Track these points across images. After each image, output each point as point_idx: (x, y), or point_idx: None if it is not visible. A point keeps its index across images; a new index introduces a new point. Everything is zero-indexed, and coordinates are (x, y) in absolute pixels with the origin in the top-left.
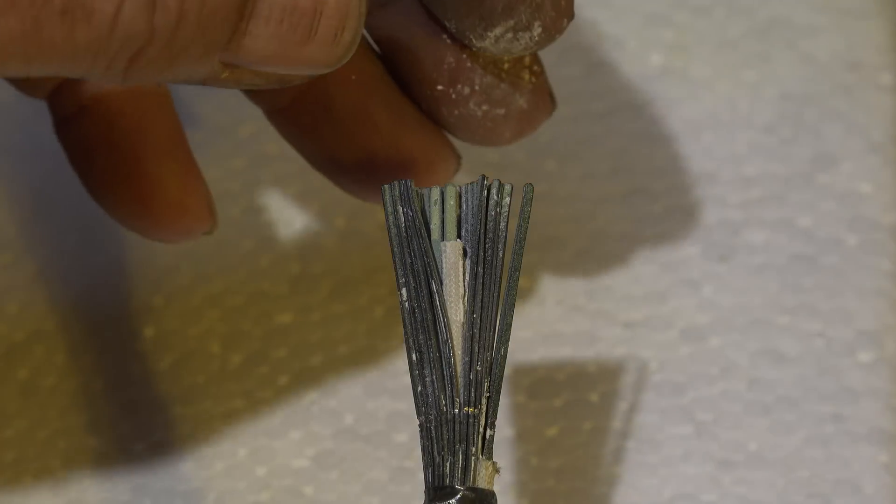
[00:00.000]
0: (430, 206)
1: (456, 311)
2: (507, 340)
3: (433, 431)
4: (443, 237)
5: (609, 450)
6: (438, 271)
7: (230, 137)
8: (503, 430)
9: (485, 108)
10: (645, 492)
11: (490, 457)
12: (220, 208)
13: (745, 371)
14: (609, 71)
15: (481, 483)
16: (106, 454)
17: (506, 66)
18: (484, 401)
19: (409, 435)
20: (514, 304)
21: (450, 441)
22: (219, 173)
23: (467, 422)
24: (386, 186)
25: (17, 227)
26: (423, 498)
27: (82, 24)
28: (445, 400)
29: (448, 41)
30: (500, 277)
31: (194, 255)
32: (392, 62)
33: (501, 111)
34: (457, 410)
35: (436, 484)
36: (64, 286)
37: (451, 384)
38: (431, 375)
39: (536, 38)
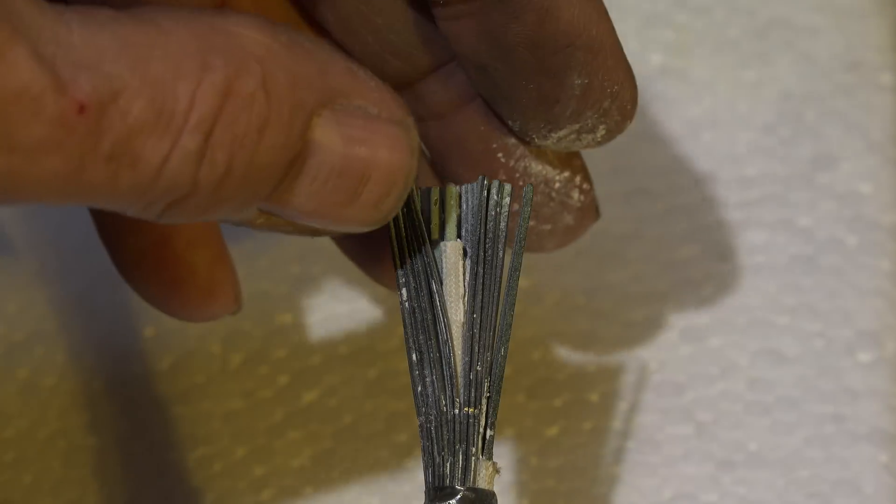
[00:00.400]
0: (430, 207)
1: (456, 311)
2: (508, 340)
3: (433, 432)
4: (443, 237)
5: (609, 450)
6: (438, 271)
7: None
8: (503, 430)
9: (531, 223)
10: (645, 492)
11: (490, 457)
12: None
13: (744, 371)
14: None
15: (481, 483)
16: (106, 454)
17: (556, 185)
18: (484, 401)
19: (409, 435)
20: (514, 304)
21: (450, 441)
22: None
23: (467, 422)
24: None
25: (16, 226)
26: (423, 498)
27: (127, 170)
28: (445, 400)
29: (501, 158)
30: (500, 277)
31: None
32: (442, 170)
33: (548, 227)
34: (457, 411)
35: (436, 484)
36: (64, 286)
37: (451, 384)
38: (431, 376)
39: (599, 139)
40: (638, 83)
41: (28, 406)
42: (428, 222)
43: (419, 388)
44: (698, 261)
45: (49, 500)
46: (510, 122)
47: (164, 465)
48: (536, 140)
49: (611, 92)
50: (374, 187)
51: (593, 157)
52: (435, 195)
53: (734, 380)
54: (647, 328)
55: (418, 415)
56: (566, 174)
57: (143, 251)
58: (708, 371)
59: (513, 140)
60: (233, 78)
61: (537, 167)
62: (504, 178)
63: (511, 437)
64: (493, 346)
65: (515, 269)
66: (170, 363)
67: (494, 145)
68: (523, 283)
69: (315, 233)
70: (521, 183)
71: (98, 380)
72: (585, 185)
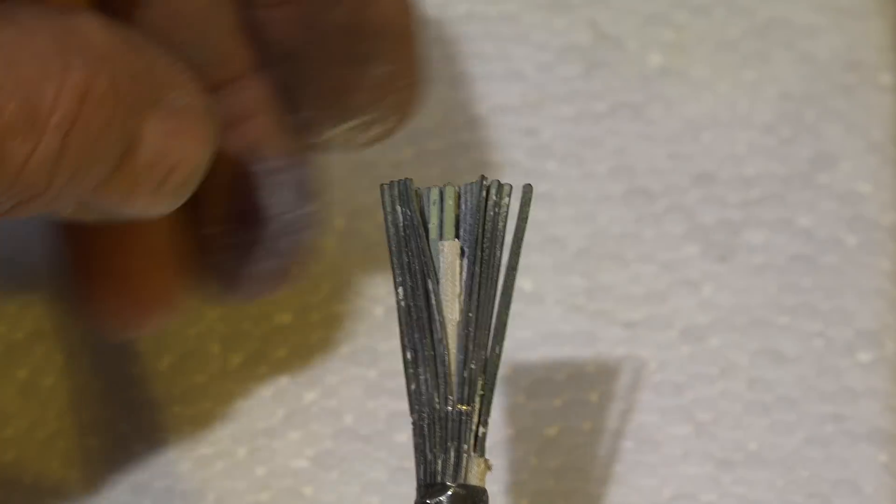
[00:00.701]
0: (428, 206)
1: (452, 310)
2: (503, 339)
3: (426, 429)
4: (441, 236)
5: (608, 450)
6: (435, 270)
7: None
8: (502, 430)
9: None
10: (644, 492)
11: (482, 454)
12: None
13: (744, 371)
14: (609, 71)
15: (473, 480)
16: (106, 454)
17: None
18: (477, 399)
19: (409, 435)
20: (510, 303)
21: (442, 439)
22: None
23: (460, 419)
24: (385, 185)
25: (16, 226)
26: (415, 495)
27: None
28: (439, 398)
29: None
30: (497, 277)
31: None
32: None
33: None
34: (450, 408)
35: (427, 481)
36: (63, 286)
37: (445, 382)
38: (426, 374)
39: (385, 133)
40: (638, 83)
41: (28, 406)
42: (426, 222)
43: (413, 386)
44: (698, 261)
45: (49, 501)
46: (303, 113)
47: (164, 466)
48: (323, 133)
49: (408, 83)
50: (177, 176)
51: (593, 157)
52: (434, 195)
53: (734, 380)
54: (646, 328)
55: (411, 412)
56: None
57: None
58: (707, 371)
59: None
60: (90, 79)
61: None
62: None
63: (510, 438)
64: (487, 345)
65: (512, 268)
66: (169, 363)
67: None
68: (523, 283)
69: (104, 218)
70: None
71: (98, 380)
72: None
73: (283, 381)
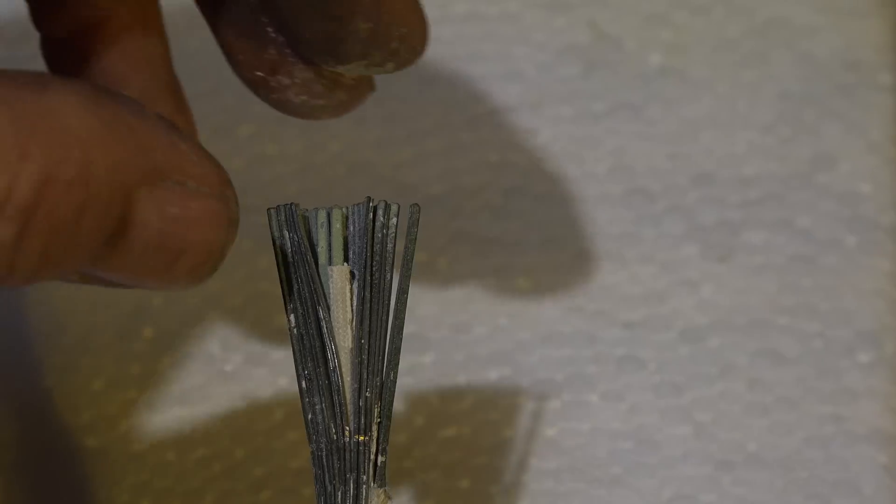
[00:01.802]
0: (316, 229)
1: (344, 336)
2: (397, 365)
3: (324, 460)
4: (330, 260)
5: (608, 451)
6: (325, 297)
7: (229, 138)
8: (502, 432)
9: (303, 97)
10: (644, 493)
11: (382, 484)
12: None
13: (744, 371)
14: (608, 71)
15: None
16: (106, 454)
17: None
18: (374, 427)
19: (406, 436)
20: (402, 327)
21: (341, 470)
22: None
23: (358, 450)
24: (271, 210)
25: None
26: None
27: None
28: (335, 428)
29: (273, 34)
30: (389, 301)
31: None
32: (215, 36)
33: (321, 102)
34: (347, 438)
35: None
36: (62, 287)
37: (341, 412)
38: (321, 403)
39: (388, 70)
40: (637, 83)
41: (27, 407)
42: (314, 246)
43: (309, 416)
44: (697, 261)
45: (49, 501)
46: (296, 47)
47: (163, 466)
48: (326, 68)
49: (399, 35)
50: (189, 258)
51: (592, 157)
52: (321, 217)
53: (733, 380)
54: (645, 328)
55: (309, 443)
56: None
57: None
58: (707, 371)
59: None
60: (52, 167)
61: None
62: (273, 52)
63: (510, 438)
64: (382, 372)
65: (403, 291)
66: (169, 364)
67: (267, 26)
68: (523, 283)
69: (127, 288)
70: (290, 59)
71: (98, 380)
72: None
73: (283, 382)
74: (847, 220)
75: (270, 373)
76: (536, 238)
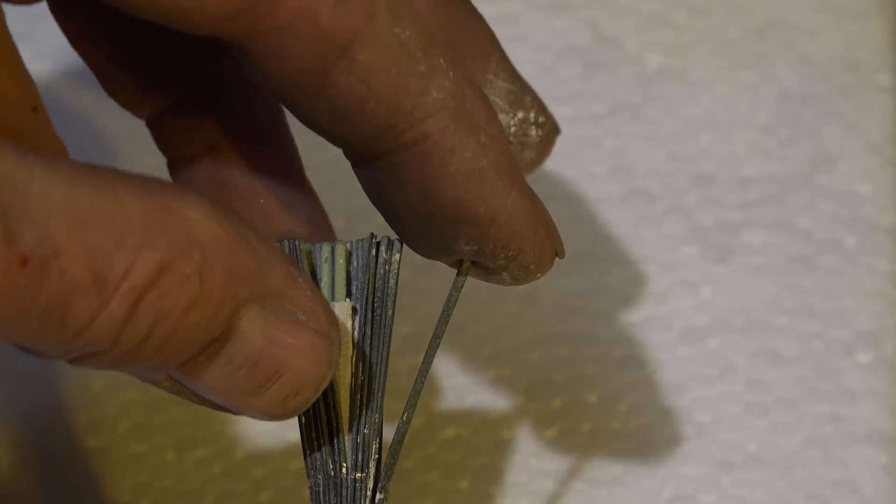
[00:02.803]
0: (320, 263)
1: (344, 373)
2: (415, 406)
3: (321, 495)
4: (332, 296)
5: (608, 451)
6: None
7: None
8: (501, 432)
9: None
10: (644, 493)
11: None
12: None
13: (743, 372)
14: (608, 72)
15: None
16: (106, 454)
17: (512, 129)
18: (372, 464)
19: (406, 437)
20: (428, 371)
21: None
22: None
23: (354, 486)
24: (275, 243)
25: None
26: None
27: (55, 325)
28: (333, 464)
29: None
30: (389, 337)
31: None
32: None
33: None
34: (344, 474)
35: None
36: None
37: (339, 448)
38: (320, 439)
39: (509, 282)
40: (637, 84)
41: (27, 408)
42: (318, 280)
43: (308, 452)
44: (697, 262)
45: (49, 502)
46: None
47: (163, 467)
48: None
49: (506, 256)
50: (283, 386)
51: (592, 158)
52: (325, 252)
53: (733, 381)
54: (645, 329)
55: (308, 478)
56: (520, 115)
57: None
58: (707, 372)
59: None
60: (172, 258)
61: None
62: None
63: (509, 439)
64: (380, 408)
65: (437, 336)
66: None
67: None
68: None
69: (217, 408)
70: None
71: (97, 381)
72: (541, 118)
73: None
74: (846, 220)
75: None
76: None
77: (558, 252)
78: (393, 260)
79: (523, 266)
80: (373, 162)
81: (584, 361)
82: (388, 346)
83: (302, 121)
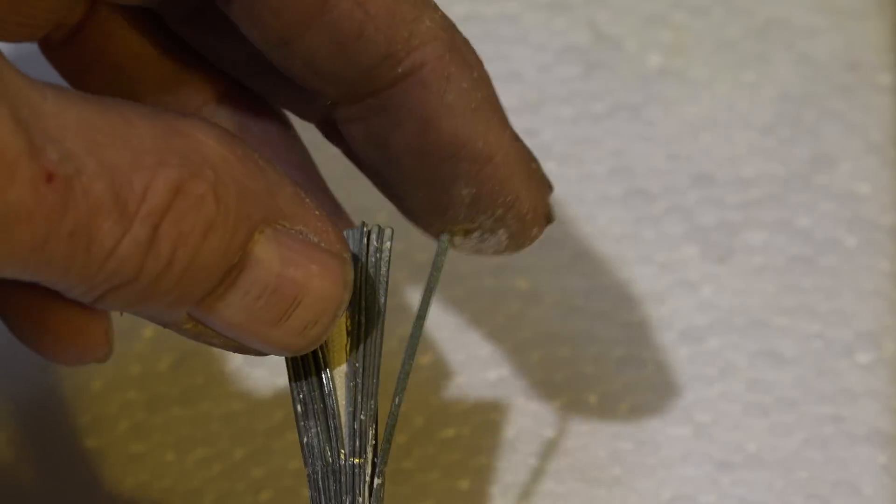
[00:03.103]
0: None
1: (339, 360)
2: (404, 390)
3: (320, 483)
4: None
5: (607, 451)
6: None
7: None
8: (501, 432)
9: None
10: (643, 493)
11: None
12: None
13: (743, 372)
14: (608, 71)
15: None
16: (106, 454)
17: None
18: (369, 450)
19: (406, 436)
20: (415, 353)
21: (336, 492)
22: None
23: (353, 472)
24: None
25: None
26: None
27: (82, 250)
28: (331, 451)
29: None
30: (382, 324)
31: None
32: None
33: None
34: (343, 461)
35: None
36: None
37: (336, 435)
38: (316, 427)
39: (506, 243)
40: (637, 84)
41: (27, 408)
42: None
43: (305, 440)
44: (697, 262)
45: (49, 502)
46: (411, 218)
47: (163, 467)
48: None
49: (503, 202)
50: (303, 312)
51: (592, 158)
52: None
53: (733, 381)
54: (645, 329)
55: (305, 465)
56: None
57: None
58: (707, 372)
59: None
60: (186, 178)
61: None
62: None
63: (509, 439)
64: (376, 394)
65: (420, 317)
66: (169, 364)
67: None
68: (522, 284)
69: (239, 349)
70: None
71: (97, 381)
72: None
73: (282, 383)
74: (847, 220)
75: (270, 373)
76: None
77: (550, 213)
78: (384, 248)
79: (520, 216)
80: (369, 101)
81: (584, 361)
82: (382, 333)
83: (298, 69)
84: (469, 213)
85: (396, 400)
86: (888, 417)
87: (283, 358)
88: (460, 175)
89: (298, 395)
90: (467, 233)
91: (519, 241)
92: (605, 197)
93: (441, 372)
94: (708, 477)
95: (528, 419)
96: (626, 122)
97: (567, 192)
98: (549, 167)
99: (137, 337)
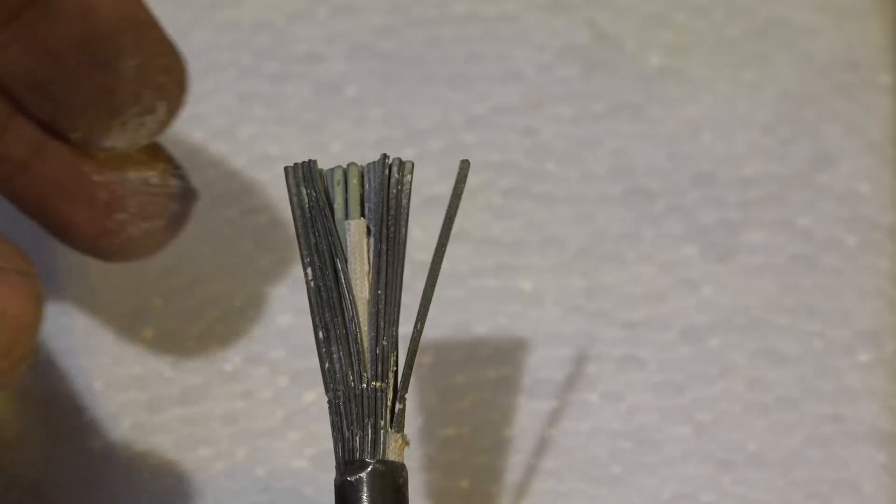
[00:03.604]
0: (333, 187)
1: (361, 288)
2: (425, 316)
3: (342, 407)
4: (346, 216)
5: (608, 450)
6: (343, 250)
7: (229, 139)
8: (501, 431)
9: (144, 225)
10: (644, 492)
11: (400, 429)
12: (219, 209)
13: (744, 371)
14: (608, 71)
15: (391, 456)
16: (106, 455)
17: (155, 180)
18: (391, 375)
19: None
20: (436, 281)
21: (359, 416)
22: (218, 174)
23: (375, 396)
24: (289, 168)
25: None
26: (335, 473)
27: None
28: (353, 375)
29: (97, 178)
30: (403, 253)
31: (193, 257)
32: (49, 216)
33: (160, 222)
34: (364, 385)
35: (346, 458)
36: (62, 287)
37: (358, 360)
38: (339, 352)
39: (162, 118)
40: (637, 83)
41: (28, 408)
42: (331, 202)
43: (326, 366)
44: (697, 261)
45: (50, 501)
46: (77, 135)
47: (164, 467)
48: (101, 140)
49: (163, 66)
50: (1, 337)
51: (592, 157)
52: (338, 175)
53: (733, 380)
54: (646, 328)
55: (326, 391)
56: (161, 166)
57: None
58: (707, 371)
59: (98, 158)
60: None
61: (133, 173)
62: (104, 194)
63: (510, 438)
64: (397, 321)
65: (442, 244)
66: (169, 363)
67: (85, 169)
68: (522, 283)
69: None
70: (120, 192)
71: (98, 380)
72: (179, 170)
73: (283, 382)
74: (847, 220)
75: (270, 373)
76: (536, 238)
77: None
78: (405, 180)
79: (177, 79)
80: (26, 15)
81: (585, 361)
82: (403, 263)
83: None
84: (134, 89)
85: (418, 325)
86: (888, 417)
87: (284, 356)
88: (125, 47)
89: (320, 321)
90: (125, 123)
91: (174, 110)
92: (605, 196)
93: (441, 371)
94: (708, 476)
95: (529, 418)
96: (627, 121)
97: (567, 191)
98: (549, 167)
99: (138, 337)
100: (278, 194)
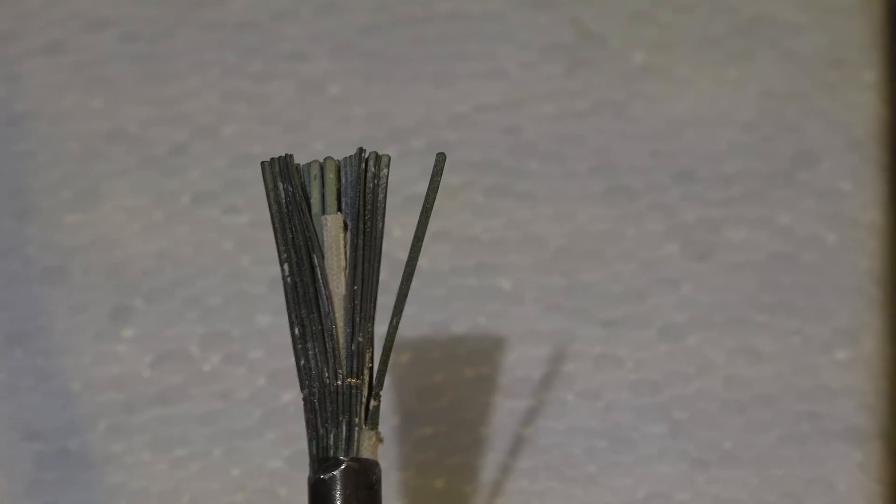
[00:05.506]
0: (309, 181)
1: (338, 283)
2: (401, 312)
3: (317, 404)
4: (323, 211)
5: (583, 449)
6: (320, 245)
7: (213, 137)
8: (478, 430)
9: None
10: (619, 491)
11: (374, 427)
12: (200, 208)
13: (721, 369)
14: (591, 69)
15: (365, 453)
16: (83, 456)
17: None
18: (366, 371)
19: (386, 432)
20: (412, 274)
21: (333, 413)
22: (200, 173)
23: (350, 393)
24: (266, 163)
25: (13, 228)
26: (308, 471)
27: None
28: (328, 372)
29: None
30: (380, 248)
31: (173, 256)
32: None
33: None
34: (339, 382)
35: (320, 456)
36: (42, 287)
37: (334, 356)
38: (314, 349)
39: None
40: (620, 81)
41: (4, 410)
42: (308, 197)
43: (302, 362)
44: (677, 259)
45: (23, 502)
46: None
47: (139, 467)
48: None
49: None
50: None
51: (574, 155)
52: (314, 170)
53: (710, 378)
54: (624, 327)
55: (301, 388)
56: None
57: None
58: (684, 369)
59: None
60: None
61: None
62: None
63: (485, 437)
64: (373, 317)
65: (418, 238)
66: (148, 364)
67: None
68: (502, 282)
69: None
70: None
71: (76, 381)
72: None
73: (261, 382)
74: (828, 217)
75: (249, 373)
76: (517, 236)
77: None
78: (381, 174)
79: None
80: None
81: (562, 359)
82: (379, 258)
83: None
84: None
85: (394, 321)
86: (865, 415)
87: (262, 356)
88: None
89: (296, 318)
90: None
91: None
92: (586, 194)
93: (419, 370)
94: (683, 475)
95: (505, 417)
96: (610, 119)
97: (549, 189)
98: (532, 165)
99: (117, 337)
100: (260, 193)
